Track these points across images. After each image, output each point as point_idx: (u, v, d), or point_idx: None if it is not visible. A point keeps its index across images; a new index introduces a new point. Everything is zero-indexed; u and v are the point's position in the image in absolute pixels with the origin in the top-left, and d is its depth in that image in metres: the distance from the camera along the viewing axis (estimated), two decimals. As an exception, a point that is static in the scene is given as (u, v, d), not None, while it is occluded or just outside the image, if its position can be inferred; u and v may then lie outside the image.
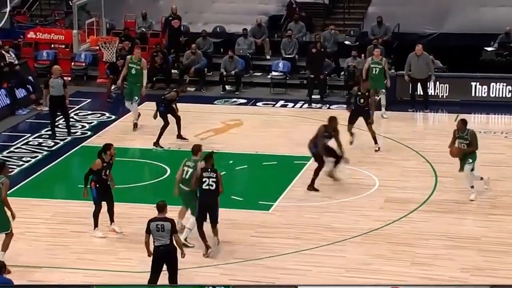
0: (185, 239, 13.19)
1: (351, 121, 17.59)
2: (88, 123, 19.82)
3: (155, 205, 11.75)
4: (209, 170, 13.06)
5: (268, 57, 23.89)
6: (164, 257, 11.49)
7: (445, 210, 14.74)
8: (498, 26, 22.68)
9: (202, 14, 25.27)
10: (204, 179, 13.00)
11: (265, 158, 17.37)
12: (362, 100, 17.41)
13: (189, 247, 13.00)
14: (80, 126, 19.42)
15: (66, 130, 18.87)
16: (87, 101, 21.25)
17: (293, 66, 23.12)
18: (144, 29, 24.46)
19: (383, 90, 19.93)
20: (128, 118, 19.90)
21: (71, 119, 19.26)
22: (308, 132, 19.01)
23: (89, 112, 20.59)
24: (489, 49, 22.55)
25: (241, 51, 23.16)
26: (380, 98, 19.87)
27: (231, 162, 17.08)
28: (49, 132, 18.69)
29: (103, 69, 22.52)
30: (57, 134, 18.67)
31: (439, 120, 20.65)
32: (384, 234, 13.88)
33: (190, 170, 13.40)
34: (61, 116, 18.90)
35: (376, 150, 17.48)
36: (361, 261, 12.91)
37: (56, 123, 18.82)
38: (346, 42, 23.37)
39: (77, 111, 20.55)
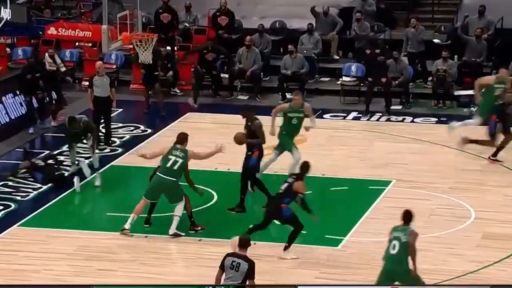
0: (176, 229, 14.94)
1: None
2: (119, 137, 20.04)
3: (200, 238, 11.83)
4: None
5: (336, 57, 23.87)
6: None
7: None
8: None
9: (257, 6, 25.39)
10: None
11: (333, 182, 17.35)
12: None
13: (181, 235, 14.84)
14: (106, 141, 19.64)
15: (104, 138, 19.34)
16: (118, 111, 21.51)
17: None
18: (187, 24, 24.65)
19: None
20: (167, 132, 20.09)
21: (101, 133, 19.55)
22: (385, 151, 18.96)
23: (120, 125, 20.82)
24: None
25: (304, 51, 23.17)
26: None
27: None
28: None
29: (138, 73, 22.77)
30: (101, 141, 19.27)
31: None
32: (481, 278, 13.72)
33: (180, 161, 14.86)
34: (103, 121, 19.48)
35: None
36: (452, 311, 12.80)
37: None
38: (435, 41, 23.24)
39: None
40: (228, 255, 11.83)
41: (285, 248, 14.48)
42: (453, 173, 17.64)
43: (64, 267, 14.30)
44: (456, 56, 22.84)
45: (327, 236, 15.20)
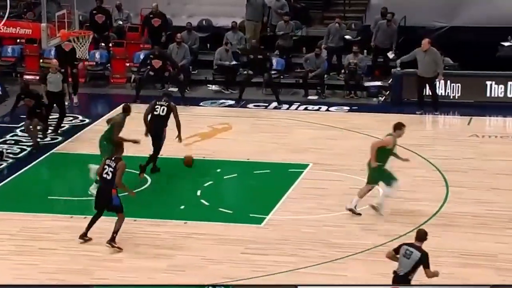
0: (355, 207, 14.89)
1: None
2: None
3: (135, 219, 11.67)
4: (112, 159, 13.63)
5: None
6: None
7: (457, 224, 14.74)
8: (515, 18, 22.76)
9: (186, 5, 25.26)
10: (104, 167, 13.68)
11: (256, 166, 17.34)
12: None
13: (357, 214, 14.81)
14: (49, 131, 19.34)
15: (54, 126, 19.01)
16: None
17: (288, 64, 23.13)
18: (121, 22, 24.41)
19: None
20: (104, 122, 19.87)
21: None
22: (304, 137, 19.03)
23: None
24: (506, 44, 22.61)
25: (231, 46, 23.11)
26: None
27: (218, 170, 17.05)
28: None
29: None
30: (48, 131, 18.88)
31: (451, 123, 20.67)
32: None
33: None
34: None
35: None
36: (364, 280, 12.89)
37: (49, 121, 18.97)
38: (347, 37, 23.38)
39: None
40: (404, 244, 11.43)
41: (111, 239, 13.68)
42: (365, 157, 17.73)
43: (8, 246, 14.08)
44: (365, 51, 23.04)
45: (251, 215, 15.20)
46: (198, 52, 23.63)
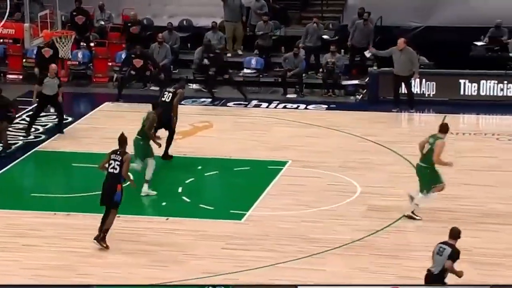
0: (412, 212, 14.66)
1: None
2: (42, 125, 19.68)
3: (118, 215, 11.62)
4: (118, 152, 13.48)
5: (240, 52, 23.89)
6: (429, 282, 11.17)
7: (432, 219, 14.82)
8: (488, 19, 22.87)
9: (167, 6, 25.23)
10: (110, 162, 13.49)
11: (236, 163, 17.36)
12: None
13: (416, 219, 14.54)
14: (33, 129, 19.27)
15: (58, 126, 19.09)
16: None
17: (267, 63, 23.15)
18: (103, 22, 24.36)
19: None
20: (86, 120, 19.86)
21: (17, 124, 19.12)
22: (283, 135, 19.06)
23: (43, 114, 20.40)
24: (479, 43, 22.73)
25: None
26: None
27: (199, 167, 17.06)
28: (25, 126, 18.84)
29: (58, 66, 22.31)
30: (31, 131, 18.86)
31: (426, 121, 20.78)
32: (367, 245, 13.91)
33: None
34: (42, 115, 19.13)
35: None
36: (342, 275, 12.94)
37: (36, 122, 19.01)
38: (325, 37, 23.42)
39: (30, 113, 20.39)
40: (440, 242, 11.33)
41: (102, 237, 13.55)
42: (342, 154, 17.84)
43: (-8, 243, 14.05)
44: (342, 50, 23.10)
45: (231, 211, 15.22)
46: (179, 51, 23.61)
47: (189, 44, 24.04)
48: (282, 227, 14.56)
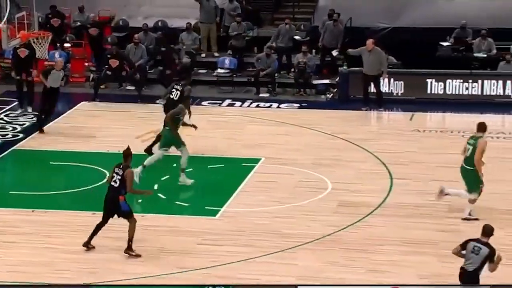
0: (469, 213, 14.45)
1: None
2: (19, 125, 19.64)
3: (94, 212, 11.61)
4: (120, 167, 13.29)
5: (216, 54, 23.95)
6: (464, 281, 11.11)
7: (401, 214, 14.98)
8: (454, 19, 23.12)
9: (142, 7, 25.23)
10: (113, 175, 13.32)
11: (211, 161, 17.44)
12: None
13: (470, 219, 14.33)
14: (11, 128, 19.24)
15: (44, 117, 19.04)
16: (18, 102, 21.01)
17: (241, 63, 23.24)
18: (80, 23, 24.32)
19: None
20: (63, 119, 19.85)
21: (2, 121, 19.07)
22: (256, 133, 19.15)
23: (21, 113, 20.39)
24: (445, 44, 22.97)
25: (184, 47, 23.20)
26: None
27: (175, 165, 17.08)
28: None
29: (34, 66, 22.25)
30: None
31: (394, 119, 20.97)
32: (337, 240, 14.03)
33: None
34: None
35: None
36: (313, 269, 13.06)
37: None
38: (296, 37, 23.55)
39: (7, 112, 20.36)
40: (471, 240, 11.21)
41: (128, 247, 13.31)
42: (314, 151, 17.96)
43: (-28, 241, 14.03)
44: (314, 51, 23.25)
45: (206, 207, 15.30)
46: (154, 52, 23.60)
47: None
48: (256, 223, 14.66)
